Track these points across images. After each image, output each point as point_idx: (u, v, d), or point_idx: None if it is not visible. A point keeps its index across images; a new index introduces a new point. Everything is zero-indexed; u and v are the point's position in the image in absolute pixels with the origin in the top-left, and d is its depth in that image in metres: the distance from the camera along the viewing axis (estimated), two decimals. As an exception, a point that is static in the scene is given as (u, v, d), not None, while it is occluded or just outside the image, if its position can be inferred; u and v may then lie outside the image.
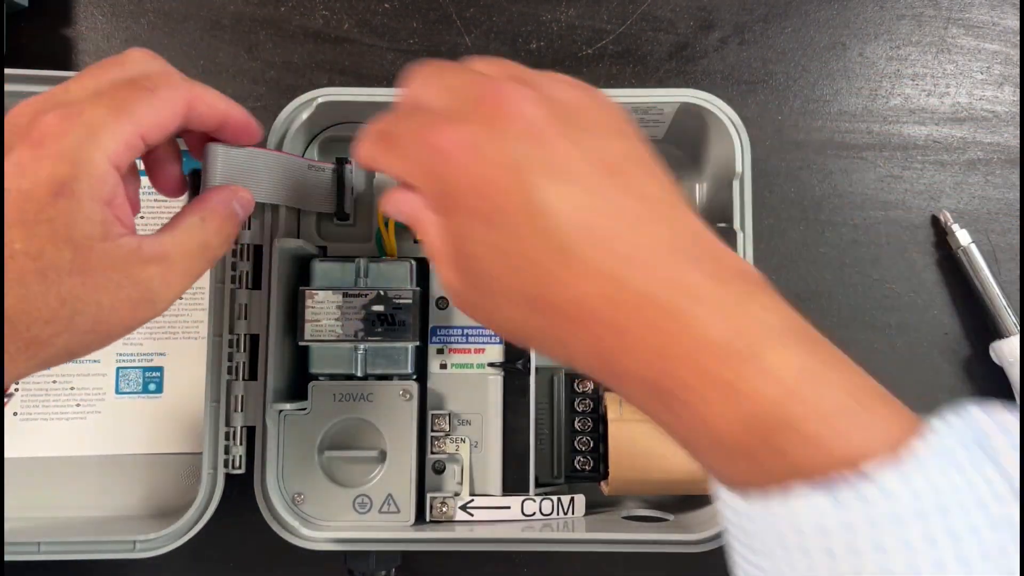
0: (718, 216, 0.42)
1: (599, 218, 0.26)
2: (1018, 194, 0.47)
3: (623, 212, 0.26)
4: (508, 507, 0.41)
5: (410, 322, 0.40)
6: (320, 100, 0.41)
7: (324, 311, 0.40)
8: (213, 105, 0.32)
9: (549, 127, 0.27)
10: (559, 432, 0.43)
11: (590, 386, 0.43)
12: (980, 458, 0.23)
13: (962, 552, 0.21)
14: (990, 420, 0.24)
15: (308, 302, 0.40)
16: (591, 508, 0.43)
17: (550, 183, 0.26)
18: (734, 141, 0.40)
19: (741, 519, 0.25)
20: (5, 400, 0.31)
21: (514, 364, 0.42)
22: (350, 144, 0.33)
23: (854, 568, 0.22)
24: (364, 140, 0.30)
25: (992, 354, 0.45)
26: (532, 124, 0.26)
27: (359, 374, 0.41)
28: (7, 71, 0.40)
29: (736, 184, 0.40)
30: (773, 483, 0.24)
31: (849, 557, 0.22)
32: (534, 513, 0.41)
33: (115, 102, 0.28)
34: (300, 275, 0.42)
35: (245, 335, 0.41)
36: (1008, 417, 0.24)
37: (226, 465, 0.40)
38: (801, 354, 0.24)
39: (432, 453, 0.42)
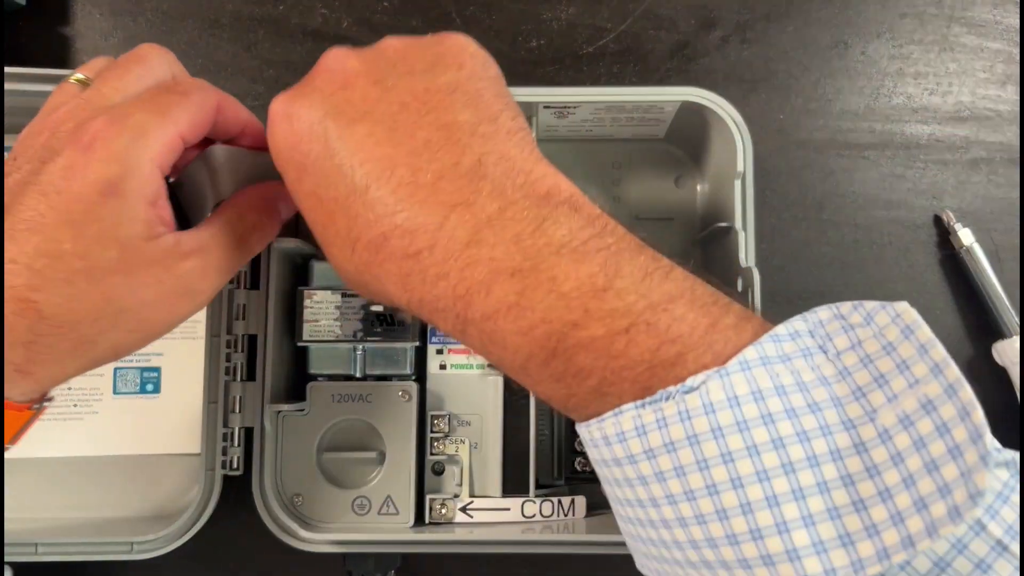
0: (720, 215, 0.42)
1: (391, 149, 0.26)
2: (1020, 193, 0.47)
3: (415, 142, 0.26)
4: (508, 509, 0.41)
5: (409, 322, 0.39)
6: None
7: (323, 311, 0.39)
8: (237, 113, 0.32)
9: (361, 77, 0.27)
10: (559, 433, 0.43)
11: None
12: (820, 360, 0.22)
13: (788, 459, 0.21)
14: (836, 320, 0.23)
15: (307, 302, 0.40)
16: (592, 510, 0.42)
17: (350, 125, 0.26)
18: (735, 140, 0.39)
19: (590, 451, 0.25)
20: (45, 405, 0.31)
21: (514, 365, 0.42)
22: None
23: (684, 488, 0.22)
24: None
25: (994, 354, 0.45)
26: (345, 78, 0.27)
27: (358, 375, 0.40)
28: (6, 70, 0.40)
29: (737, 183, 0.40)
30: (598, 407, 0.23)
31: (679, 479, 0.22)
32: (534, 515, 0.41)
33: (158, 106, 0.29)
34: (298, 275, 0.42)
35: (243, 335, 0.41)
36: (855, 315, 0.23)
37: (224, 466, 0.40)
38: (595, 269, 0.24)
39: (431, 454, 0.41)
